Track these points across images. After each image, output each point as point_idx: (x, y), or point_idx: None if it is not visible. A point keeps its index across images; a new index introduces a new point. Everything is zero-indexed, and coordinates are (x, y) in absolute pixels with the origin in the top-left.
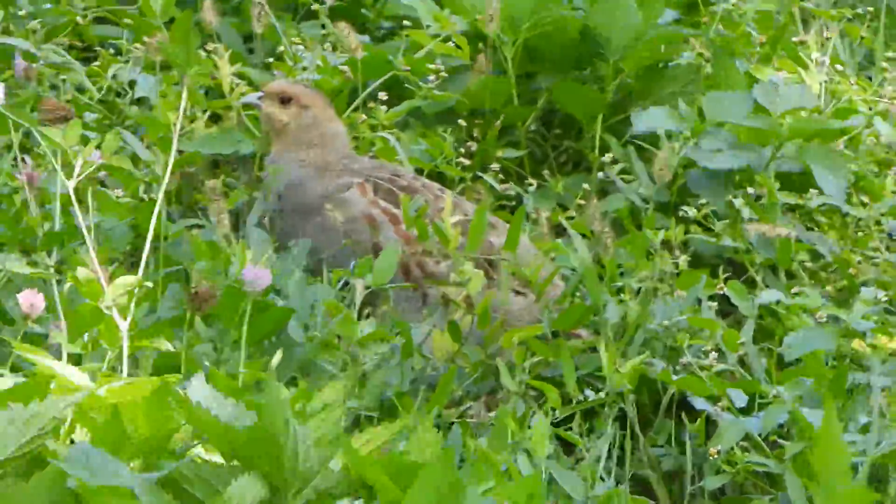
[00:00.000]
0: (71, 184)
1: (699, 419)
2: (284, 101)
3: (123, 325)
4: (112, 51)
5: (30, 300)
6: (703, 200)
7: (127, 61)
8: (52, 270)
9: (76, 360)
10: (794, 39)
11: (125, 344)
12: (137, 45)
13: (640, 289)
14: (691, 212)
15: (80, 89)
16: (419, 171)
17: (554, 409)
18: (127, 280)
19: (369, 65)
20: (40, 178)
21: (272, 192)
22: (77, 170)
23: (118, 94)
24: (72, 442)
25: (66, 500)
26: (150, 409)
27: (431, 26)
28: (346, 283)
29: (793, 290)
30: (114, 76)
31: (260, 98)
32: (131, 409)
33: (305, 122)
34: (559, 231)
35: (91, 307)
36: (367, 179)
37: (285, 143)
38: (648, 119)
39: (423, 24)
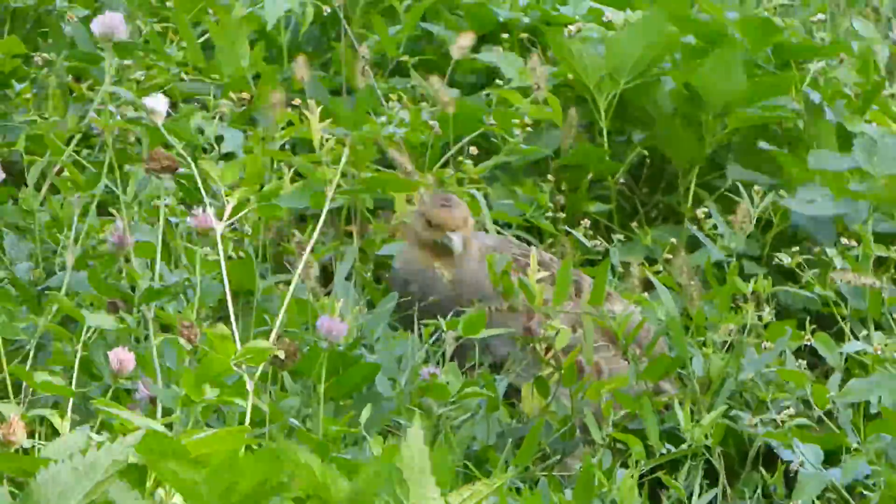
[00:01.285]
0: (220, 227)
1: (779, 471)
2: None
3: (250, 385)
4: (198, 105)
5: (119, 357)
6: (795, 249)
7: (213, 117)
8: (150, 327)
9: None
10: (884, 93)
11: (249, 403)
12: (224, 100)
13: (724, 342)
14: (786, 259)
15: (167, 146)
16: (507, 226)
17: (639, 462)
18: (260, 343)
19: (457, 119)
20: (131, 240)
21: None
22: (227, 211)
23: (204, 150)
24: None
25: None
26: (249, 464)
27: (515, 80)
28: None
29: (876, 343)
30: (200, 131)
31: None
32: (221, 462)
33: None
34: (648, 285)
35: (223, 364)
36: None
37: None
38: (743, 171)
39: (506, 78)
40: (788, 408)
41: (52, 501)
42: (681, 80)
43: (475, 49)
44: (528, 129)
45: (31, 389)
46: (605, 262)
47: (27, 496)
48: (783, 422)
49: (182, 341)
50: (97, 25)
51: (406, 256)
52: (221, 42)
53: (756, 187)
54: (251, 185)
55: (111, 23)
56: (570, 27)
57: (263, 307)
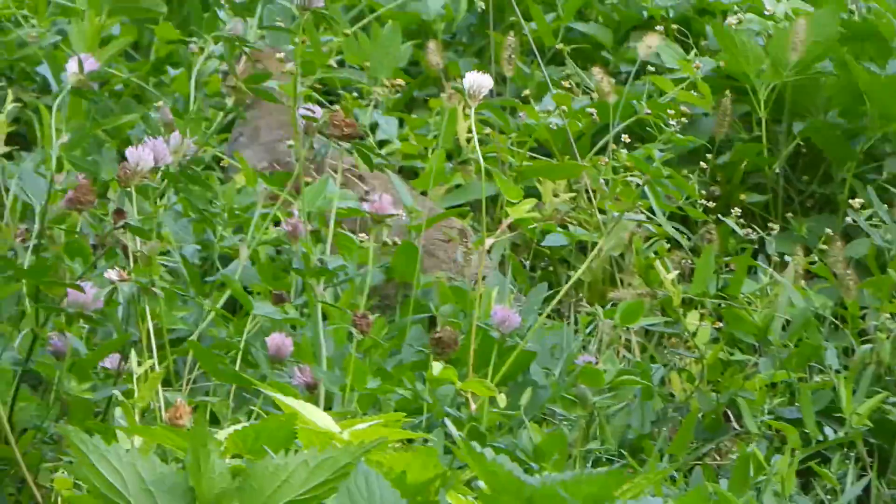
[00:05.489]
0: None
1: None
2: None
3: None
4: (354, 94)
5: (277, 342)
6: None
7: (368, 104)
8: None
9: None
10: None
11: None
12: (378, 88)
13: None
14: None
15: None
16: (652, 212)
17: (794, 451)
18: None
19: (612, 107)
20: (305, 229)
21: None
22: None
23: (360, 138)
24: None
25: None
26: (419, 459)
27: (675, 70)
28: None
29: None
30: (356, 119)
31: None
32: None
33: None
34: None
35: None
36: None
37: None
38: None
39: (665, 67)
40: None
41: (268, 492)
42: (844, 80)
43: (626, 38)
44: (683, 120)
45: (190, 377)
46: (748, 252)
47: (245, 484)
48: None
49: (354, 331)
50: None
51: None
52: (377, 35)
53: None
54: (434, 182)
55: None
56: (731, 18)
57: (420, 298)
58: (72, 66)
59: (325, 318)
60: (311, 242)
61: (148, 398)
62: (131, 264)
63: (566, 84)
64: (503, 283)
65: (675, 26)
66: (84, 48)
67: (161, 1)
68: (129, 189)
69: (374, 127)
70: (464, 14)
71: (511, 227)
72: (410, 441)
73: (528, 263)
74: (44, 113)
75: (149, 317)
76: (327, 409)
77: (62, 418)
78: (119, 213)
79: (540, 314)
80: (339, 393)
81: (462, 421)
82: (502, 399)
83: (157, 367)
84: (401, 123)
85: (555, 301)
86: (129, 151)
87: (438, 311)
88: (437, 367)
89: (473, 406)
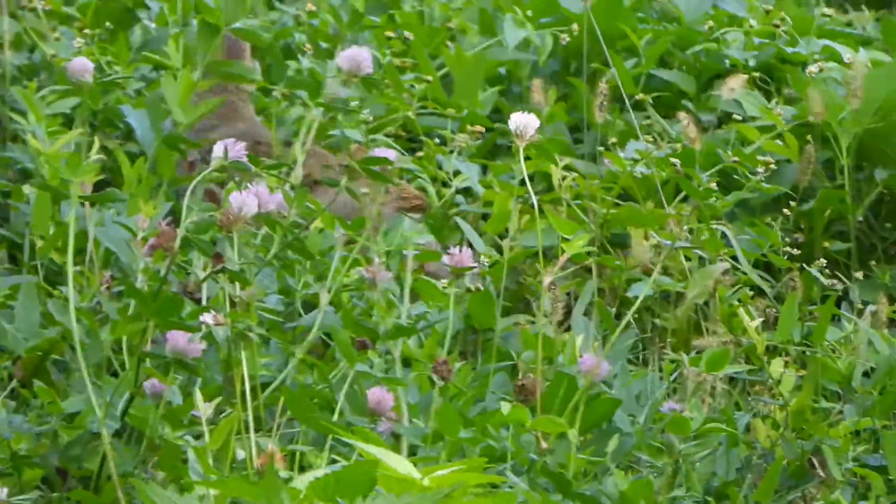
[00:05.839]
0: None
1: None
2: None
3: None
4: (437, 140)
5: (378, 397)
6: None
7: (451, 151)
8: (396, 364)
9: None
10: None
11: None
12: (462, 134)
13: None
14: None
15: (407, 179)
16: (736, 260)
17: (879, 498)
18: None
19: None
20: (386, 277)
21: None
22: None
23: (444, 184)
24: None
25: None
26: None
27: (758, 118)
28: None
29: None
30: (439, 166)
31: None
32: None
33: None
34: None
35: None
36: None
37: None
38: None
39: (748, 116)
40: None
41: None
42: None
43: (708, 87)
44: (773, 167)
45: (280, 421)
46: (831, 301)
47: None
48: None
49: (435, 378)
50: (344, 61)
51: None
52: (460, 76)
53: None
54: (500, 225)
55: (358, 58)
56: (811, 67)
57: (501, 344)
58: (218, 150)
59: (408, 365)
60: (394, 284)
61: (220, 443)
62: (227, 308)
63: (649, 138)
64: (588, 330)
65: (756, 74)
66: (177, 104)
67: (255, 69)
68: (230, 234)
69: (455, 173)
70: (547, 60)
71: (600, 275)
72: (495, 488)
73: (613, 310)
74: (123, 162)
75: (244, 363)
76: (412, 455)
77: (150, 463)
78: (218, 257)
79: (631, 362)
80: (422, 445)
81: (547, 468)
82: (573, 434)
83: (250, 413)
84: (483, 170)
85: (615, 336)
86: (233, 196)
87: (521, 358)
88: (505, 406)
89: (544, 444)
